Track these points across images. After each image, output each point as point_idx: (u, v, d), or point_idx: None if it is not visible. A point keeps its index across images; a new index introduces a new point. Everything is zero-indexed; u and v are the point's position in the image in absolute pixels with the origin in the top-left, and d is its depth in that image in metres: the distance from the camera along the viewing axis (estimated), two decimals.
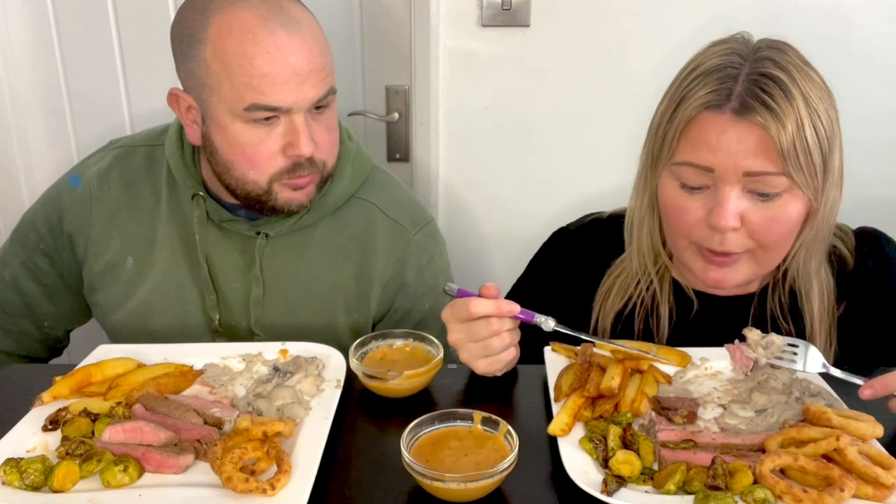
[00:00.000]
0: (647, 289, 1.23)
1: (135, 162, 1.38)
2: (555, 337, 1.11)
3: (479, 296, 1.06)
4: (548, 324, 1.07)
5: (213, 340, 1.34)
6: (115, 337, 1.40)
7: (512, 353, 1.08)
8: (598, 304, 1.27)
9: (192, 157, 1.33)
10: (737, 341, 1.06)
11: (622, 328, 1.25)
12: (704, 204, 1.10)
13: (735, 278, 1.14)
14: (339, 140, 1.34)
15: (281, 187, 1.23)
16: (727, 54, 1.09)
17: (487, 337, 1.04)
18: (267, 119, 1.18)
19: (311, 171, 1.23)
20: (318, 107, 1.21)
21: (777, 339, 1.04)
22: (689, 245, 1.15)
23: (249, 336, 1.34)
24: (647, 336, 1.23)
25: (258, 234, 1.31)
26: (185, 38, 1.18)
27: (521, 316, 1.07)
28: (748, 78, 1.06)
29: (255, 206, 1.26)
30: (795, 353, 1.03)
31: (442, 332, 1.08)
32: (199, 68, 1.18)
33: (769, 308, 1.21)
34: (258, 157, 1.20)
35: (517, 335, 1.09)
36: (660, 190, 1.16)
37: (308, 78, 1.17)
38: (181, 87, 1.24)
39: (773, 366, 1.04)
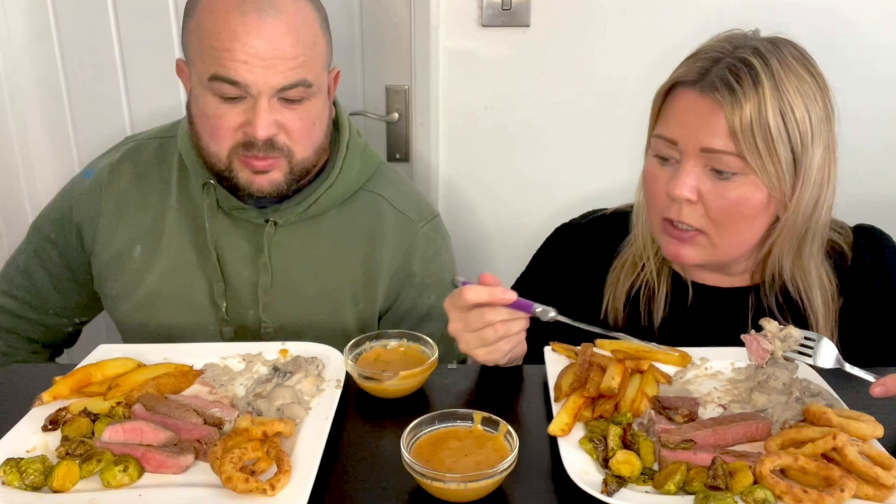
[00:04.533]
0: (650, 273, 1.25)
1: (146, 154, 1.41)
2: (557, 330, 1.10)
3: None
4: (547, 314, 1.04)
5: (221, 329, 1.36)
6: (125, 328, 1.41)
7: (510, 343, 1.05)
8: (609, 290, 1.28)
9: None
10: (753, 332, 1.05)
11: (629, 312, 1.26)
12: (670, 176, 1.13)
13: (691, 255, 1.16)
14: (349, 135, 1.36)
15: (240, 165, 1.24)
16: (723, 41, 1.14)
17: (481, 327, 1.03)
18: (234, 98, 1.19)
19: (267, 153, 1.22)
20: (291, 99, 1.21)
21: (795, 332, 1.03)
22: (660, 221, 1.17)
23: (257, 325, 1.35)
24: (645, 322, 1.24)
25: (267, 221, 1.32)
26: (185, 11, 1.24)
27: (519, 305, 1.04)
28: (726, 61, 1.10)
29: (224, 184, 1.28)
30: (811, 347, 1.02)
31: (447, 326, 1.08)
32: (186, 39, 1.24)
33: (765, 303, 1.21)
34: (219, 129, 1.22)
35: (518, 326, 1.05)
36: (644, 164, 1.20)
37: (272, 64, 1.18)
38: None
39: (787, 359, 1.03)
